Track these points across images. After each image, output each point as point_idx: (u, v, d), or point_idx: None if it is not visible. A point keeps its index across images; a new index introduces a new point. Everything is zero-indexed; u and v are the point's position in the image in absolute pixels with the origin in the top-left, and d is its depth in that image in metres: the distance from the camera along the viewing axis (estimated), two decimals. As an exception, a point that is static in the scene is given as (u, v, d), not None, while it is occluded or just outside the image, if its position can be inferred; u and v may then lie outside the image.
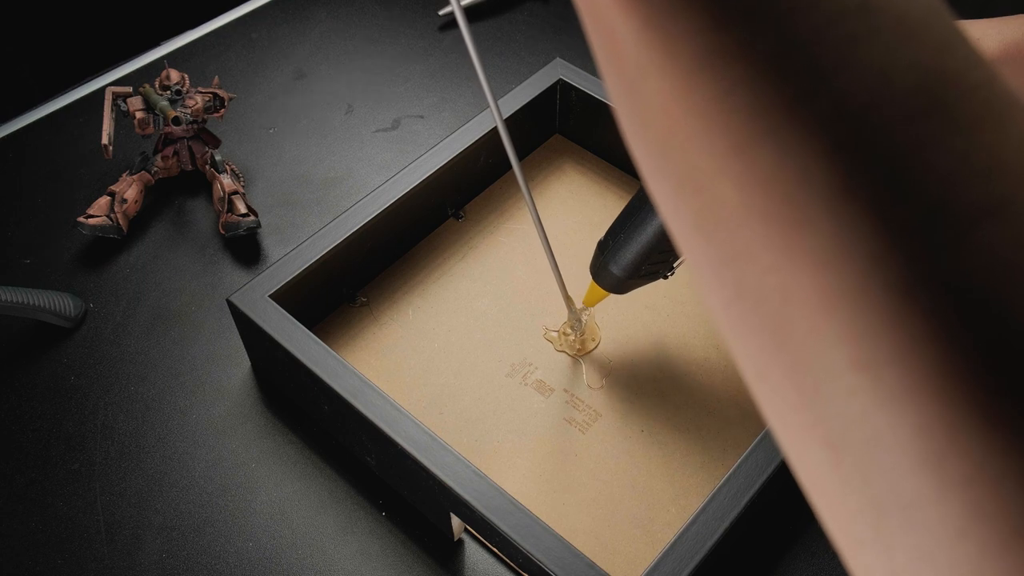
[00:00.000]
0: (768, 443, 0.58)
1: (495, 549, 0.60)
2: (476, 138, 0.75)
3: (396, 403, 0.59)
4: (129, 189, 0.77)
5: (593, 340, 0.70)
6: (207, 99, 0.80)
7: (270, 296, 0.64)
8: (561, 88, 0.80)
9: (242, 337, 0.69)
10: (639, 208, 0.59)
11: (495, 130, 0.75)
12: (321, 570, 0.60)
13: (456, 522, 0.59)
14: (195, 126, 0.80)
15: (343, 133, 0.87)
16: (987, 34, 0.50)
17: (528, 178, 0.81)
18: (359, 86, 0.92)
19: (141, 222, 0.79)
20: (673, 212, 0.22)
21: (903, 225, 0.18)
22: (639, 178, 0.60)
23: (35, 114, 0.88)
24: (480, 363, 0.69)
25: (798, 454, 0.21)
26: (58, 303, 0.71)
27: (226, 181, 0.78)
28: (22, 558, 0.61)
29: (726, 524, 0.54)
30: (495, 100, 0.53)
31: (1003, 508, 0.17)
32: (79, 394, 0.69)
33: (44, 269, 0.76)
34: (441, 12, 0.98)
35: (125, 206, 0.77)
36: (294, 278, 0.65)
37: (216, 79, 0.82)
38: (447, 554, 0.61)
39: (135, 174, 0.79)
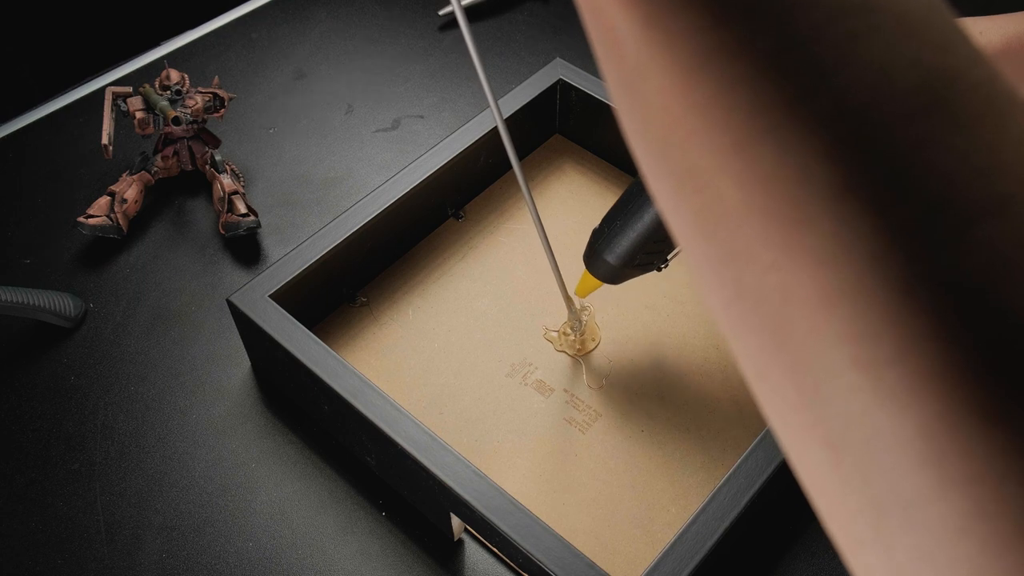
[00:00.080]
0: (768, 443, 0.57)
1: (495, 549, 0.60)
2: (476, 138, 0.75)
3: (396, 403, 0.59)
4: (129, 189, 0.77)
5: (593, 340, 0.70)
6: (207, 99, 0.80)
7: (270, 296, 0.64)
8: (561, 88, 0.80)
9: (242, 337, 0.69)
10: (635, 196, 0.59)
11: (495, 130, 0.75)
12: (321, 570, 0.60)
13: (456, 522, 0.59)
14: (195, 126, 0.80)
15: (343, 133, 0.87)
16: (989, 30, 0.50)
17: (528, 178, 0.81)
18: (359, 86, 0.92)
19: (141, 222, 0.79)
20: (673, 210, 0.22)
21: (903, 223, 0.18)
22: (637, 176, 0.60)
23: (35, 114, 0.88)
24: (480, 363, 0.69)
25: (798, 453, 0.21)
26: (58, 303, 0.71)
27: (226, 181, 0.78)
28: (22, 558, 0.61)
29: (726, 524, 0.54)
30: (495, 100, 0.53)
31: (1004, 507, 0.17)
32: (79, 394, 0.69)
33: (44, 269, 0.76)
34: (441, 12, 0.98)
35: (125, 206, 0.77)
36: (294, 278, 0.65)
37: (216, 79, 0.82)
38: (447, 554, 0.61)
39: (135, 174, 0.79)
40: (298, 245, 0.68)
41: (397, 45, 0.96)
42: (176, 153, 0.81)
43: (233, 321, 0.68)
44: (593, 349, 0.70)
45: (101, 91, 0.89)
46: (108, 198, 0.77)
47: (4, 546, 0.61)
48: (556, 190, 0.81)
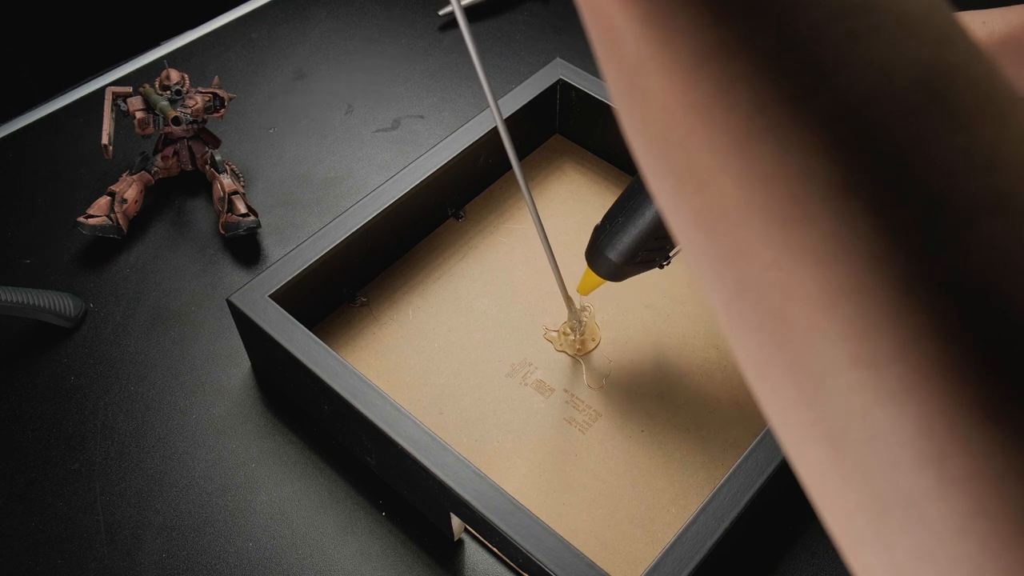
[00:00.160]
0: (768, 443, 0.57)
1: (495, 549, 0.60)
2: (476, 138, 0.75)
3: (396, 403, 0.58)
4: (129, 189, 0.77)
5: (593, 340, 0.70)
6: (207, 99, 0.80)
7: (270, 296, 0.64)
8: (561, 88, 0.80)
9: (242, 337, 0.69)
10: (637, 193, 0.59)
11: (495, 130, 0.75)
12: (321, 570, 0.60)
13: (456, 522, 0.59)
14: (195, 126, 0.80)
15: (343, 133, 0.87)
16: (991, 21, 0.50)
17: (528, 178, 0.81)
18: (359, 86, 0.92)
19: (141, 222, 0.79)
20: (673, 209, 0.22)
21: (903, 221, 0.18)
22: (638, 173, 0.60)
23: (35, 114, 0.88)
24: (480, 363, 0.69)
25: (798, 452, 0.21)
26: (58, 303, 0.71)
27: (226, 181, 0.78)
28: (22, 558, 0.61)
29: (726, 524, 0.54)
30: (495, 100, 0.53)
31: (1004, 506, 0.17)
32: (79, 394, 0.69)
33: (44, 269, 0.76)
34: (441, 12, 0.98)
35: (125, 206, 0.77)
36: (294, 278, 0.65)
37: (216, 79, 0.82)
38: (447, 554, 0.61)
39: (135, 174, 0.79)
40: (298, 245, 0.68)
41: (397, 45, 0.96)
42: (176, 153, 0.81)
43: (233, 321, 0.68)
44: (593, 349, 0.70)
45: (101, 91, 0.89)
46: (108, 198, 0.77)
47: (4, 546, 0.61)
48: (556, 190, 0.81)
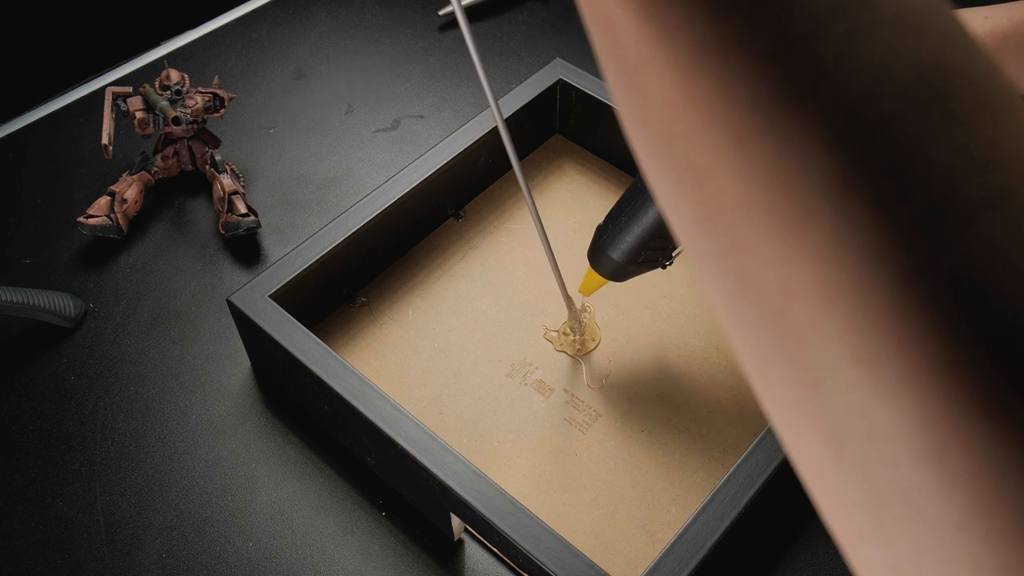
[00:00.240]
0: (768, 443, 0.57)
1: (495, 549, 0.60)
2: (476, 138, 0.75)
3: (396, 403, 0.58)
4: (129, 189, 0.77)
5: (593, 340, 0.70)
6: (207, 99, 0.80)
7: (270, 296, 0.64)
8: (561, 88, 0.80)
9: (242, 337, 0.69)
10: (639, 192, 0.59)
11: (495, 130, 0.75)
12: (321, 570, 0.60)
13: (456, 522, 0.59)
14: (195, 126, 0.80)
15: (343, 133, 0.87)
16: (994, 16, 0.50)
17: (528, 178, 0.81)
18: (359, 86, 0.92)
19: (141, 222, 0.79)
20: (674, 206, 0.22)
21: (903, 218, 0.18)
22: (640, 172, 0.60)
23: (35, 114, 0.88)
24: (480, 363, 0.69)
25: (798, 448, 0.21)
26: (58, 303, 0.71)
27: (226, 181, 0.78)
28: (22, 558, 0.60)
29: (726, 524, 0.54)
30: (495, 100, 0.53)
31: (1004, 501, 0.17)
32: (79, 394, 0.68)
33: (44, 269, 0.76)
34: (441, 12, 0.98)
35: (125, 206, 0.77)
36: (294, 278, 0.65)
37: (216, 79, 0.82)
38: (447, 554, 0.61)
39: (135, 174, 0.79)
40: (298, 245, 0.68)
41: (397, 45, 0.96)
42: (176, 153, 0.81)
43: (233, 321, 0.68)
44: (593, 349, 0.70)
45: (101, 91, 0.89)
46: (108, 198, 0.77)
47: (4, 546, 0.61)
48: (556, 190, 0.81)
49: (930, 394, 0.18)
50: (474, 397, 0.67)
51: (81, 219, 0.75)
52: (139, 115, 0.78)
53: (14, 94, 1.18)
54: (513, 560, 0.55)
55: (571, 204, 0.80)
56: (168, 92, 0.80)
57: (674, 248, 0.61)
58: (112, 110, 0.79)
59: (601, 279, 0.65)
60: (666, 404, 0.67)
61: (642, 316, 0.72)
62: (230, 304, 0.64)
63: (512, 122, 0.77)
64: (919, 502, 0.18)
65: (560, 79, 0.79)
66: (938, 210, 0.18)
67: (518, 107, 0.77)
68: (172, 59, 0.92)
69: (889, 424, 0.18)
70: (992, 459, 0.17)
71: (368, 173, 0.84)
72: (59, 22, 1.21)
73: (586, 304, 0.70)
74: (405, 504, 0.63)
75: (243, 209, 0.77)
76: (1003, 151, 0.18)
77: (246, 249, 0.78)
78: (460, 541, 0.62)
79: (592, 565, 0.52)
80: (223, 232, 0.77)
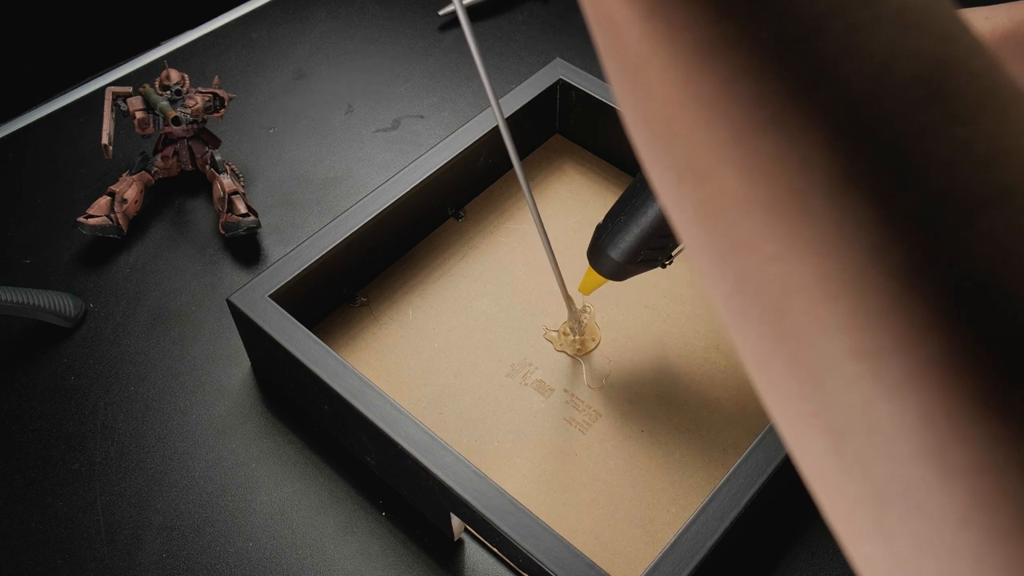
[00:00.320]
0: (768, 443, 0.57)
1: (495, 549, 0.60)
2: (476, 138, 0.75)
3: (396, 403, 0.58)
4: (129, 189, 0.77)
5: (593, 340, 0.70)
6: (207, 99, 0.80)
7: (270, 296, 0.64)
8: (561, 88, 0.80)
9: (242, 337, 0.69)
10: (639, 191, 0.59)
11: (495, 130, 0.75)
12: (321, 570, 0.60)
13: (456, 522, 0.59)
14: (195, 126, 0.80)
15: (343, 133, 0.87)
16: (995, 16, 0.50)
17: (528, 178, 0.81)
18: (359, 86, 0.92)
19: (141, 222, 0.79)
20: (675, 202, 0.22)
21: (905, 214, 0.18)
22: (640, 171, 0.60)
23: (35, 114, 0.88)
24: (480, 363, 0.69)
25: (799, 444, 0.21)
26: (58, 303, 0.71)
27: (226, 181, 0.78)
28: (22, 558, 0.60)
29: (726, 524, 0.54)
30: (497, 99, 0.53)
31: (1004, 497, 0.17)
32: (79, 394, 0.68)
33: (44, 269, 0.76)
34: (441, 12, 0.98)
35: (125, 206, 0.77)
36: (294, 278, 0.65)
37: (216, 79, 0.82)
38: (447, 554, 0.61)
39: (135, 174, 0.79)
40: (298, 245, 0.68)
41: (397, 45, 0.96)
42: (176, 153, 0.81)
43: (233, 321, 0.68)
44: (593, 349, 0.70)
45: (101, 91, 0.89)
46: (108, 198, 0.77)
47: (4, 546, 0.61)
48: (556, 190, 0.81)
49: (931, 390, 0.18)
50: (474, 397, 0.67)
51: (81, 219, 0.75)
52: (139, 115, 0.78)
53: (14, 94, 1.18)
54: (513, 560, 0.55)
55: (571, 204, 0.80)
56: (168, 92, 0.80)
57: (673, 247, 0.61)
58: (112, 110, 0.79)
59: (601, 278, 0.65)
60: (666, 404, 0.67)
61: (642, 316, 0.72)
62: (230, 304, 0.64)
63: (512, 122, 0.77)
64: (920, 498, 0.18)
65: (560, 79, 0.79)
66: (939, 206, 0.18)
67: (518, 107, 0.77)
68: (172, 59, 0.92)
69: (890, 420, 0.18)
70: (992, 455, 0.17)
71: (368, 173, 0.84)
72: (59, 22, 1.21)
73: (586, 304, 0.70)
74: (405, 504, 0.63)
75: (243, 209, 0.77)
76: (1004, 147, 0.18)
77: (246, 249, 0.78)
78: (460, 541, 0.62)
79: (592, 565, 0.52)
80: (223, 232, 0.77)
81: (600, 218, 0.63)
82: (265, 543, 0.61)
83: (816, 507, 0.22)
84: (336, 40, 0.96)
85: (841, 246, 0.19)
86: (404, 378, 0.68)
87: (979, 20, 0.50)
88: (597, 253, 0.63)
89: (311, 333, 0.62)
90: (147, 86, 0.80)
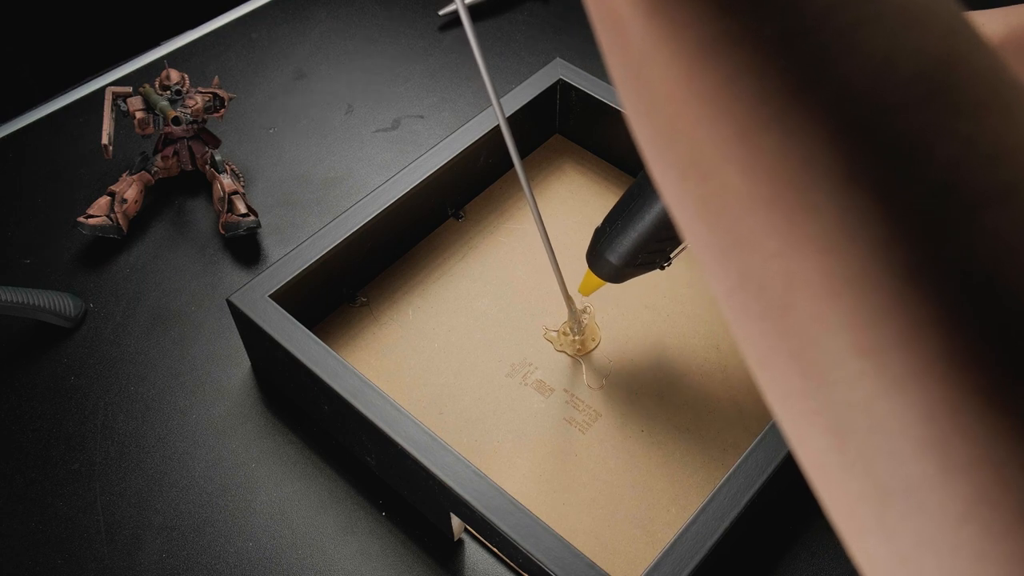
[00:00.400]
0: (768, 443, 0.57)
1: (495, 549, 0.60)
2: (476, 138, 0.75)
3: (396, 403, 0.58)
4: (129, 189, 0.77)
5: (593, 340, 0.70)
6: (207, 99, 0.80)
7: (270, 296, 0.64)
8: (561, 88, 0.80)
9: (242, 337, 0.69)
10: (637, 195, 0.59)
11: (495, 130, 0.75)
12: (321, 570, 0.60)
13: (456, 522, 0.59)
14: (195, 126, 0.80)
15: (343, 133, 0.87)
16: (991, 22, 0.50)
17: (528, 178, 0.81)
18: (359, 86, 0.92)
19: (141, 222, 0.79)
20: (678, 199, 0.22)
21: (908, 211, 0.18)
22: (639, 174, 0.60)
23: (35, 114, 0.88)
24: (480, 363, 0.69)
25: (801, 441, 0.21)
26: (58, 303, 0.71)
27: (226, 181, 0.78)
28: (22, 558, 0.60)
29: (726, 524, 0.54)
30: (498, 98, 0.53)
31: (1006, 493, 0.17)
32: (79, 394, 0.68)
33: (44, 269, 0.76)
34: (441, 12, 0.98)
35: (125, 206, 0.77)
36: (294, 278, 0.65)
37: (216, 79, 0.82)
38: (447, 554, 0.61)
39: (135, 174, 0.79)
40: (298, 245, 0.68)
41: (397, 45, 0.96)
42: (176, 153, 0.81)
43: (233, 321, 0.68)
44: (593, 349, 0.70)
45: (101, 91, 0.89)
46: (108, 198, 0.77)
47: (4, 546, 0.61)
48: (556, 190, 0.81)
49: (933, 386, 0.18)
50: (474, 397, 0.67)
51: (81, 219, 0.75)
52: (139, 115, 0.78)
53: (14, 94, 1.18)
54: (513, 560, 0.55)
55: (571, 204, 0.80)
56: (168, 92, 0.80)
57: (671, 250, 0.61)
58: (112, 110, 0.79)
59: (599, 280, 0.65)
60: (666, 404, 0.67)
61: (642, 316, 0.72)
62: (230, 304, 0.64)
63: (512, 122, 0.76)
64: (921, 494, 0.18)
65: (560, 79, 0.79)
66: (942, 203, 0.18)
67: (518, 107, 0.77)
68: (172, 59, 0.92)
69: (892, 417, 0.18)
70: (994, 450, 0.17)
71: (368, 173, 0.84)
72: (59, 22, 1.21)
73: (586, 304, 0.70)
74: (405, 504, 0.63)
75: (243, 209, 0.77)
76: (1008, 144, 0.18)
77: (246, 249, 0.78)
78: (460, 541, 0.62)
79: (592, 565, 0.52)
80: (223, 232, 0.77)
81: (600, 218, 0.63)
82: (265, 543, 0.61)
83: (816, 507, 0.22)
84: (336, 40, 0.96)
85: (844, 243, 0.19)
86: (404, 378, 0.68)
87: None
88: (596, 257, 0.63)
89: (311, 333, 0.62)
90: (147, 86, 0.80)
